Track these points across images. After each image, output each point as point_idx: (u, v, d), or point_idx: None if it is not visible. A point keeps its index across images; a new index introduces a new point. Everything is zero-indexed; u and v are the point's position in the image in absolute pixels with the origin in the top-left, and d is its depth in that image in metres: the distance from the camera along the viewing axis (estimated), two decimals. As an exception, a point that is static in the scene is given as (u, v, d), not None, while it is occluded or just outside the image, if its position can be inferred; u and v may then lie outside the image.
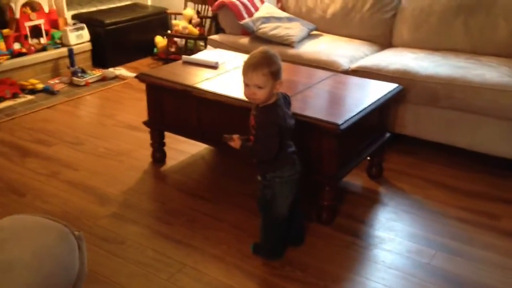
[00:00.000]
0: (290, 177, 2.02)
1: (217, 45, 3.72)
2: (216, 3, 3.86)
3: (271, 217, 2.09)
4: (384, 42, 3.55)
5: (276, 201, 2.04)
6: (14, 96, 3.83)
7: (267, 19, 3.63)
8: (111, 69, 4.42)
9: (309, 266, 2.08)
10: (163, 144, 2.90)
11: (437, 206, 2.51)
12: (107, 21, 4.54)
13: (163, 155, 2.92)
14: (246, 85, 1.90)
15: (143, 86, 2.78)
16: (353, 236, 2.27)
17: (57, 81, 4.19)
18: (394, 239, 2.25)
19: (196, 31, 4.54)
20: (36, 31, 4.24)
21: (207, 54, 3.10)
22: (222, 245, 2.20)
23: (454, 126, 2.83)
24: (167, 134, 2.86)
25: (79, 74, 4.20)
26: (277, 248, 2.15)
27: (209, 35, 4.18)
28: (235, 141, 2.01)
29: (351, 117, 2.20)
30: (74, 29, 4.37)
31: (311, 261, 2.11)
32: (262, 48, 1.95)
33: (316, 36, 3.66)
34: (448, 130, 2.86)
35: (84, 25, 4.44)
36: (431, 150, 3.01)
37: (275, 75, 1.86)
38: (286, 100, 2.02)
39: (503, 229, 2.33)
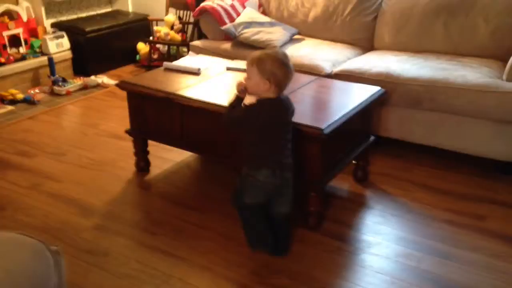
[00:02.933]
0: (263, 182, 2.03)
1: (199, 51, 3.69)
2: (198, 8, 3.84)
3: (237, 206, 2.15)
4: (366, 45, 3.55)
5: (242, 196, 2.10)
6: (-6, 107, 3.77)
7: (249, 24, 3.62)
8: (92, 77, 4.37)
9: (297, 273, 2.06)
10: (147, 153, 2.86)
11: (424, 208, 2.50)
12: (88, 29, 4.49)
13: (147, 164, 2.88)
14: None
15: (126, 94, 2.74)
16: (340, 241, 2.26)
17: (37, 90, 4.13)
18: (381, 243, 2.24)
19: (178, 37, 4.51)
20: (14, 40, 4.18)
21: (189, 61, 3.07)
22: (208, 254, 2.17)
23: (438, 127, 2.84)
24: (150, 142, 2.82)
25: (60, 83, 4.14)
26: (252, 238, 2.18)
27: (191, 41, 4.16)
28: (240, 88, 2.07)
29: (335, 121, 2.19)
30: (54, 37, 4.31)
31: (299, 267, 2.09)
32: (273, 49, 2.19)
33: (298, 40, 3.66)
34: (432, 132, 2.86)
35: (64, 33, 4.38)
36: (417, 153, 3.01)
37: (262, 74, 1.96)
38: (289, 106, 2.08)
39: (489, 229, 2.33)
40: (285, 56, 2.03)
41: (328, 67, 3.13)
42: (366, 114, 2.56)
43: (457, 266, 2.09)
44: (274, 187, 2.06)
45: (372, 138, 2.68)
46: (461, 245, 2.22)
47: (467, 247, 2.21)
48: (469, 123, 2.75)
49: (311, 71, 3.07)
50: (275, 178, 2.03)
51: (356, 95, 2.52)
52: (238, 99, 2.08)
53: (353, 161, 2.64)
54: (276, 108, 2.02)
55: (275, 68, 1.96)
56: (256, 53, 2.03)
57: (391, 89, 2.85)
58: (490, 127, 2.70)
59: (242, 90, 2.05)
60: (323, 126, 2.12)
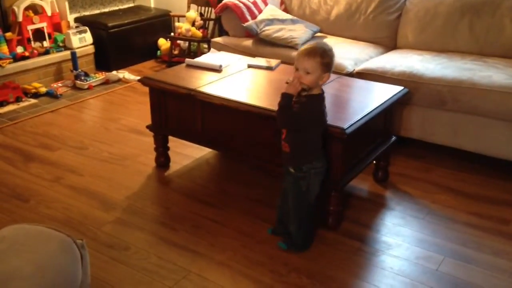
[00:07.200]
0: (321, 168, 2.12)
1: (220, 47, 3.70)
2: (219, 5, 3.84)
3: (305, 209, 2.15)
4: (389, 44, 3.52)
5: (310, 192, 2.12)
6: (17, 100, 3.82)
7: (270, 21, 3.61)
8: (114, 72, 4.41)
9: (316, 272, 2.05)
10: (167, 148, 2.87)
11: (445, 210, 2.47)
12: (110, 24, 4.52)
13: (167, 159, 2.90)
14: (296, 69, 2.01)
15: (147, 89, 2.75)
16: (360, 241, 2.25)
17: (60, 84, 4.18)
18: (401, 245, 2.22)
19: (199, 33, 4.52)
20: (39, 35, 4.23)
21: (210, 57, 3.07)
22: (227, 251, 2.18)
23: (461, 129, 2.80)
24: (171, 138, 2.83)
25: (82, 78, 4.19)
26: (310, 238, 2.22)
27: (212, 37, 4.16)
28: (292, 87, 2.00)
29: (357, 121, 2.17)
30: (77, 32, 4.35)
31: (318, 267, 2.08)
32: (320, 41, 2.20)
33: (320, 38, 3.64)
34: (455, 133, 2.82)
35: (87, 28, 4.43)
36: (438, 154, 2.97)
37: (325, 66, 1.98)
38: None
39: (512, 234, 2.30)
40: None
41: (350, 66, 3.11)
42: (388, 114, 2.53)
43: (478, 270, 2.06)
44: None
45: (393, 138, 2.66)
46: (483, 249, 2.19)
47: (490, 251, 2.18)
48: (493, 125, 2.70)
49: (333, 69, 3.05)
50: (324, 159, 2.13)
51: (379, 95, 2.49)
52: (289, 98, 2.01)
53: (374, 161, 2.62)
54: (324, 99, 2.08)
55: (333, 61, 2.02)
56: (314, 46, 1.99)
57: (414, 89, 2.82)
58: (515, 129, 2.66)
59: (297, 88, 1.99)
60: (345, 125, 2.10)
